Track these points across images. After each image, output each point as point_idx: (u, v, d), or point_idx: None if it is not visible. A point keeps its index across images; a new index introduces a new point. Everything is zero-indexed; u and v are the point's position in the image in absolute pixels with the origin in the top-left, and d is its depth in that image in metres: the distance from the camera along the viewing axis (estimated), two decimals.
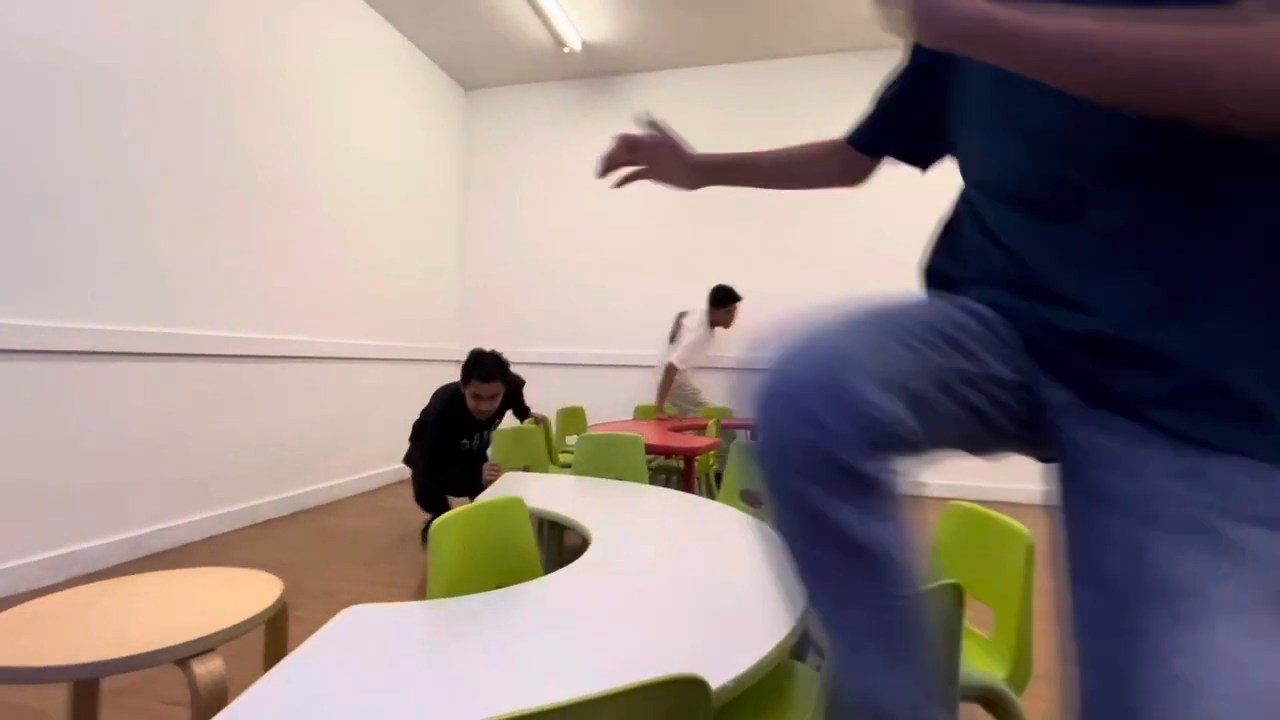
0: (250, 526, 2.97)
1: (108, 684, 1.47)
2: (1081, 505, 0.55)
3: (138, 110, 2.49)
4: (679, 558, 1.16)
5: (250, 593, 1.07)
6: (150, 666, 0.83)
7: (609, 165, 0.94)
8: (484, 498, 1.36)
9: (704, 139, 4.58)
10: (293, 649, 0.72)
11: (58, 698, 1.45)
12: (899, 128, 0.83)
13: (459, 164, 5.04)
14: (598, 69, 4.70)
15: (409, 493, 2.74)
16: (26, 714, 1.39)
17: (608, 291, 4.79)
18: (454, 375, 2.71)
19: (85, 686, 1.08)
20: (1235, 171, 0.49)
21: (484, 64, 4.65)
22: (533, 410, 3.29)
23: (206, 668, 0.89)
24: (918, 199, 3.93)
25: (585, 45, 4.32)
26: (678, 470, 3.25)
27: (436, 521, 1.05)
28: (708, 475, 3.23)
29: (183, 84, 2.68)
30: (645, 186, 1.03)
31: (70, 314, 2.26)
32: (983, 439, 0.61)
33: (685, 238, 4.64)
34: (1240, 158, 0.48)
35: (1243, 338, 0.49)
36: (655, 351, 4.77)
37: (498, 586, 0.97)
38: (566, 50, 4.35)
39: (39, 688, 1.46)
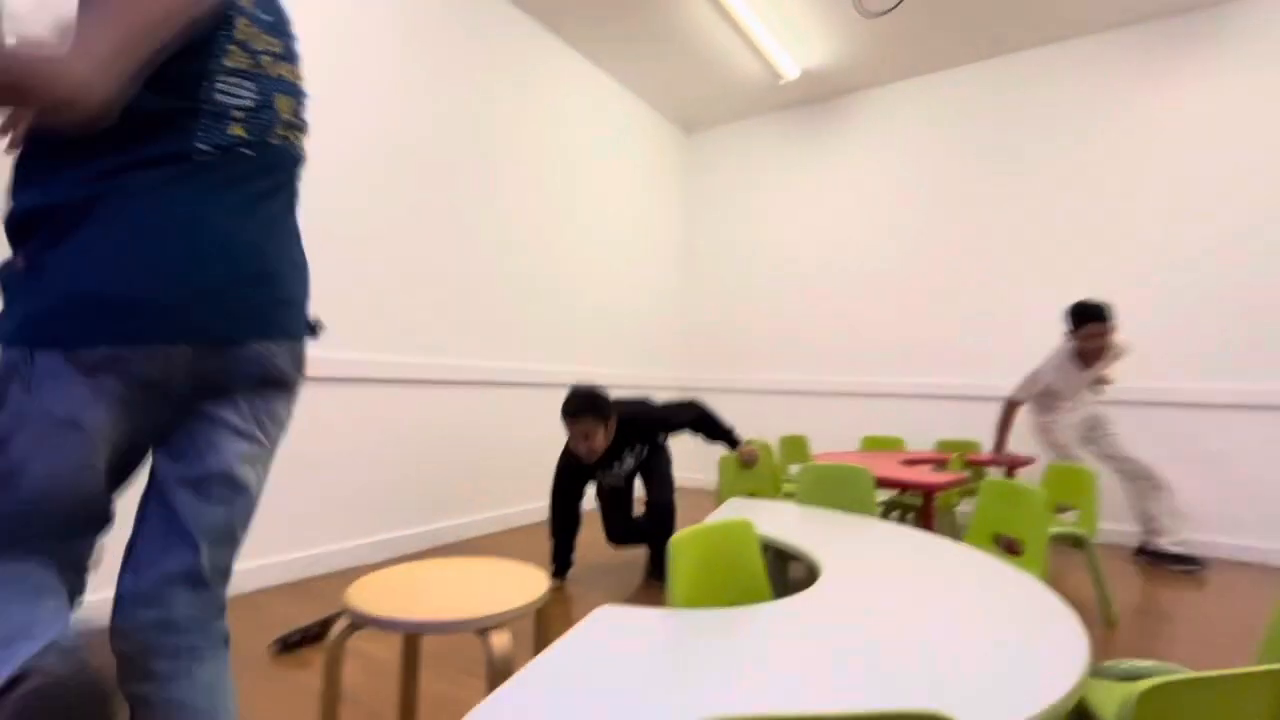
0: (519, 529, 3.50)
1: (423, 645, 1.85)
2: None
3: (432, 177, 3.18)
4: (919, 598, 1.09)
5: (526, 582, 1.28)
6: (461, 632, 1.04)
7: None
8: (714, 516, 1.42)
9: (934, 151, 4.16)
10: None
11: (392, 649, 1.87)
12: None
13: (683, 203, 5.38)
14: (814, 94, 4.67)
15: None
16: (372, 661, 1.82)
17: (832, 318, 4.64)
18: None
19: (412, 641, 1.39)
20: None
21: (703, 106, 4.93)
22: (745, 440, 2.79)
23: (501, 639, 1.08)
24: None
25: (803, 73, 4.33)
26: (913, 507, 2.99)
27: (675, 538, 1.14)
28: (951, 514, 2.91)
29: (462, 153, 3.35)
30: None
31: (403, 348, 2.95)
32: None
33: (931, 254, 4.31)
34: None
35: None
36: (883, 379, 4.48)
37: (730, 605, 1.02)
38: (782, 81, 4.41)
39: (380, 640, 1.91)
